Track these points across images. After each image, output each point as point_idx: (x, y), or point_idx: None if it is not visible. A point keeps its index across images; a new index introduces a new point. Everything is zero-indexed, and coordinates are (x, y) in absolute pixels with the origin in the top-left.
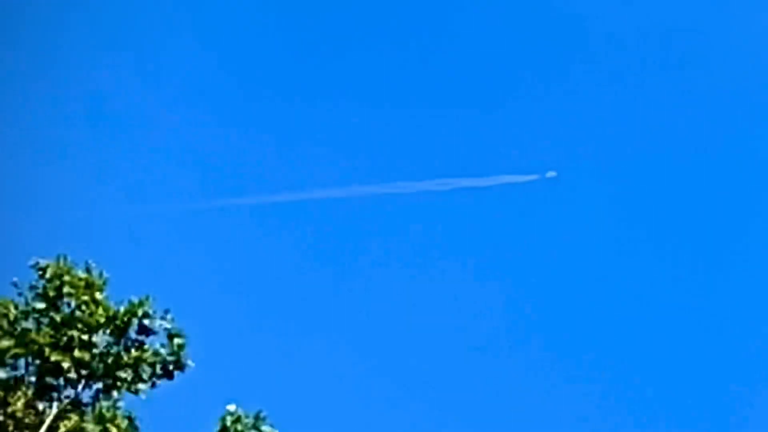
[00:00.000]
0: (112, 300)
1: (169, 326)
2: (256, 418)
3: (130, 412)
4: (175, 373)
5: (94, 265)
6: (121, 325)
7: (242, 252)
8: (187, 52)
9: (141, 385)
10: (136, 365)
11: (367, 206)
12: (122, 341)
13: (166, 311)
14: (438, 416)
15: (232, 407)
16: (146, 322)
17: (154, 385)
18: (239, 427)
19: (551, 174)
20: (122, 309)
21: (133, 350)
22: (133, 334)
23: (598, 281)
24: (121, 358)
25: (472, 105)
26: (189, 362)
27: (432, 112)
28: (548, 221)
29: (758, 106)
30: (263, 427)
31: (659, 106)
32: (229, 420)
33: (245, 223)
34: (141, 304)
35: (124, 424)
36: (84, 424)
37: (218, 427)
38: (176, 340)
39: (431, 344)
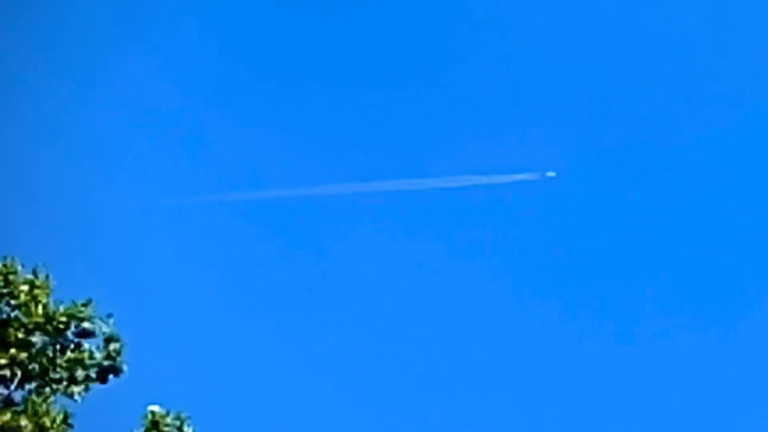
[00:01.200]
0: (59, 302)
1: (108, 330)
2: (179, 419)
3: (64, 408)
4: (110, 377)
5: (41, 266)
6: (60, 327)
7: (237, 246)
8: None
9: (75, 388)
10: (70, 367)
11: (362, 203)
12: (59, 343)
13: (109, 315)
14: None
15: (155, 407)
16: (86, 325)
17: (87, 388)
18: (163, 428)
19: (551, 174)
20: (61, 310)
21: (69, 352)
22: (71, 337)
23: (598, 281)
24: (57, 359)
25: (472, 103)
26: (124, 367)
27: (433, 109)
28: (546, 221)
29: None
30: (185, 428)
31: (662, 104)
32: (150, 421)
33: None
34: (84, 306)
35: (60, 418)
36: (18, 419)
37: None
38: (112, 345)
39: (423, 342)
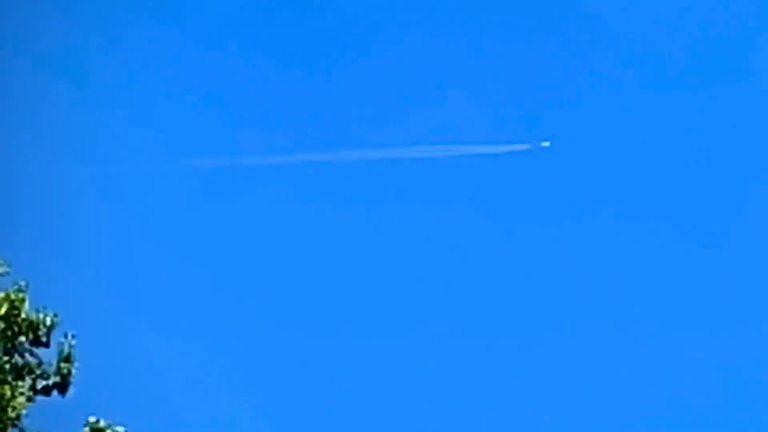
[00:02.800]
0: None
1: (65, 346)
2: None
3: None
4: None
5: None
6: (12, 336)
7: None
8: None
9: (20, 399)
10: (17, 377)
11: (356, 171)
12: (11, 350)
13: (73, 336)
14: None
15: (92, 419)
16: (41, 334)
17: (30, 399)
18: None
19: (545, 144)
20: (21, 318)
21: (18, 357)
22: (27, 345)
23: (592, 253)
24: (4, 366)
25: (467, 72)
26: (70, 387)
27: (424, 77)
28: (540, 191)
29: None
30: None
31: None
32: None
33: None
34: (48, 317)
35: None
36: None
37: None
38: (65, 364)
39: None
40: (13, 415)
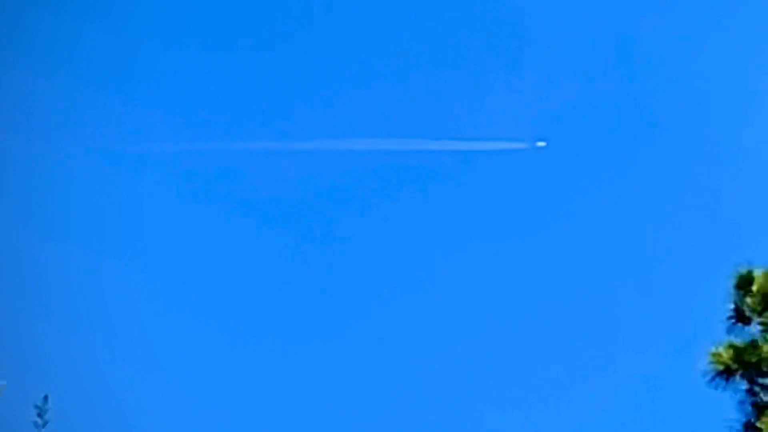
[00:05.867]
0: None
1: None
2: None
3: None
4: None
5: None
6: None
7: None
8: None
9: None
10: None
11: (349, 163)
12: None
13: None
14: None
15: None
16: None
17: None
18: None
19: (541, 144)
20: None
21: None
22: None
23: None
24: None
25: (475, 67)
26: None
27: (428, 73)
28: (534, 190)
29: None
30: None
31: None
32: None
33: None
34: None
35: None
36: None
37: None
38: None
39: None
40: None
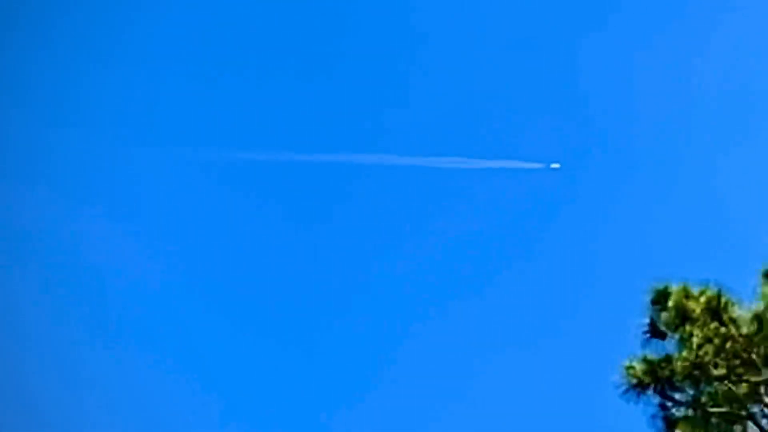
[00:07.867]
0: None
1: None
2: None
3: None
4: None
5: None
6: None
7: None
8: None
9: None
10: None
11: (360, 176)
12: None
13: None
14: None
15: None
16: None
17: None
18: None
19: (555, 165)
20: None
21: None
22: None
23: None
24: None
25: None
26: None
27: (444, 92)
28: (547, 209)
29: None
30: None
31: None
32: None
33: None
34: None
35: None
36: None
37: None
38: None
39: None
40: None
